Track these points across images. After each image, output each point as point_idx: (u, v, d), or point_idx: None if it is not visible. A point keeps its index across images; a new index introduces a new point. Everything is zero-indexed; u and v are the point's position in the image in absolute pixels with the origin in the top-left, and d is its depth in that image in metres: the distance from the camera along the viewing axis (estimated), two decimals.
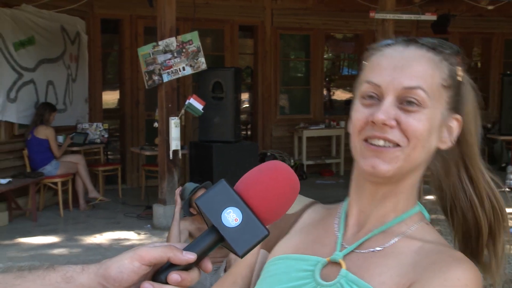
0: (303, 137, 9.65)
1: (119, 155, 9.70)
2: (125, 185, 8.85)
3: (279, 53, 10.07)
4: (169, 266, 0.78)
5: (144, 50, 6.41)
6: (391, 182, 0.96)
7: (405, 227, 0.99)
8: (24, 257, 5.48)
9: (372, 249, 0.97)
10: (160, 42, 6.32)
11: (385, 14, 7.22)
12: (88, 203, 7.55)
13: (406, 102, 0.93)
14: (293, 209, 1.10)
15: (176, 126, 6.27)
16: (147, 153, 7.62)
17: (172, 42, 6.32)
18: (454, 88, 0.98)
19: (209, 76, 7.13)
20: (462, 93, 1.00)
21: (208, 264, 0.80)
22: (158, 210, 6.50)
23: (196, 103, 6.35)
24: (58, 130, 7.54)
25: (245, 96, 11.77)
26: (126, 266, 0.76)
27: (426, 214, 1.03)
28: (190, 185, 4.01)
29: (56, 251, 5.70)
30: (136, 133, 9.07)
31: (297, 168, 9.43)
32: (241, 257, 0.79)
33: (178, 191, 3.98)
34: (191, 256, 0.77)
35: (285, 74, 10.59)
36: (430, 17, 7.84)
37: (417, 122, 0.92)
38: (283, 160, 9.47)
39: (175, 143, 6.30)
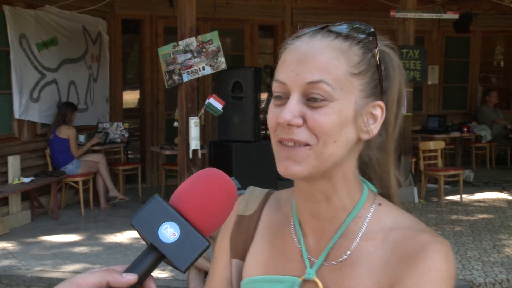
0: None
1: (139, 154, 9.78)
2: (145, 184, 8.92)
3: None
4: None
5: (164, 50, 6.44)
6: (321, 179, 0.91)
7: (360, 221, 0.94)
8: (47, 255, 5.55)
9: (339, 259, 0.93)
10: (180, 42, 6.34)
11: (406, 13, 7.15)
12: (109, 202, 7.62)
13: (311, 98, 0.87)
14: (250, 209, 1.07)
15: (195, 126, 6.29)
16: (167, 152, 7.66)
17: (192, 42, 6.34)
18: (370, 73, 0.90)
19: (229, 76, 7.15)
20: (384, 76, 0.93)
21: (151, 285, 0.77)
22: None
23: (215, 103, 6.36)
24: (79, 130, 7.62)
25: (264, 95, 11.76)
26: None
27: (373, 188, 0.99)
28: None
29: (78, 249, 5.76)
30: (156, 133, 9.13)
31: None
32: (184, 272, 0.76)
33: None
34: (131, 277, 0.74)
35: None
36: (452, 15, 7.75)
37: (323, 117, 0.86)
38: None
39: (194, 143, 6.32)
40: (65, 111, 7.19)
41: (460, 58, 11.12)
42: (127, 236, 6.25)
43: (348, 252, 0.93)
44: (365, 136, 0.91)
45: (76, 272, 5.02)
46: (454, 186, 8.30)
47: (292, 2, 9.72)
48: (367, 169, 1.00)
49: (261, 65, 10.60)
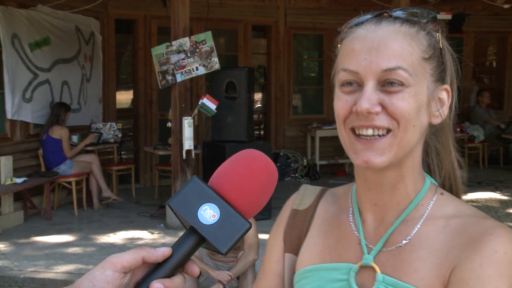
0: (316, 137, 9.63)
1: (133, 154, 9.75)
2: (139, 184, 8.90)
3: (292, 53, 10.05)
4: (150, 275, 0.73)
5: (158, 50, 6.43)
6: (392, 168, 0.91)
7: (422, 208, 0.94)
8: (39, 256, 5.52)
9: (399, 244, 0.92)
10: (173, 42, 6.33)
11: None
12: (102, 202, 7.60)
13: (387, 83, 0.87)
14: (305, 203, 1.06)
15: (189, 126, 6.28)
16: (161, 152, 7.64)
17: (185, 42, 6.34)
18: (436, 57, 0.91)
19: (222, 76, 7.14)
20: (445, 61, 0.93)
21: (194, 268, 0.76)
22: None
23: (209, 103, 6.36)
24: (72, 130, 7.59)
25: (258, 96, 11.77)
26: (98, 277, 0.70)
27: (434, 182, 0.99)
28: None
29: (71, 250, 5.74)
30: (150, 133, 9.11)
31: (310, 168, 9.40)
32: (225, 254, 0.74)
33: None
34: (166, 250, 0.73)
35: (298, 74, 10.58)
36: (445, 16, 7.79)
37: (401, 101, 0.86)
38: (296, 161, 9.45)
39: (188, 143, 6.31)
40: (58, 111, 7.16)
41: None
42: (121, 237, 6.23)
43: (409, 237, 0.92)
44: (437, 120, 0.93)
45: (70, 273, 5.00)
46: None
47: (286, 2, 9.72)
48: (427, 157, 1.00)
49: (255, 65, 10.60)
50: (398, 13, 0.91)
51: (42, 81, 7.34)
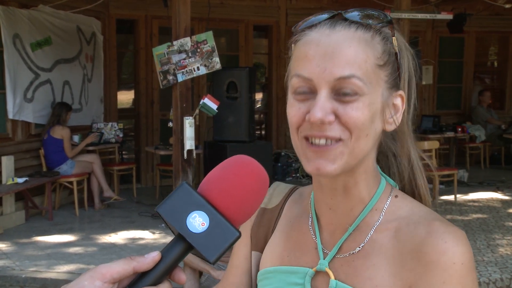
0: None
1: (134, 154, 9.76)
2: (140, 184, 8.90)
3: None
4: (136, 283, 0.72)
5: (159, 50, 6.43)
6: (344, 174, 0.89)
7: (377, 213, 0.93)
8: (41, 256, 5.53)
9: (352, 251, 0.92)
10: (174, 42, 6.33)
11: (400, 14, 7.16)
12: (103, 202, 7.60)
13: (342, 93, 0.84)
14: (274, 202, 1.07)
15: (190, 126, 6.28)
16: (162, 152, 7.64)
17: (186, 42, 6.34)
18: (391, 63, 0.89)
19: (223, 76, 7.14)
20: (401, 65, 0.91)
21: (181, 275, 0.75)
22: None
23: (210, 103, 6.36)
24: (74, 130, 7.60)
25: (259, 95, 11.77)
26: (87, 287, 0.70)
27: (391, 182, 0.98)
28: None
29: (72, 249, 5.75)
30: (151, 133, 9.11)
31: None
32: (213, 263, 0.73)
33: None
34: (154, 254, 0.72)
35: None
36: (446, 16, 7.77)
37: (355, 111, 0.84)
38: (297, 160, 9.44)
39: (189, 143, 6.31)
40: (60, 111, 7.16)
41: (454, 59, 11.16)
42: (122, 237, 6.24)
43: (362, 244, 0.92)
44: (390, 127, 0.91)
45: (71, 273, 5.01)
46: (448, 186, 8.32)
47: (287, 2, 9.73)
48: (388, 161, 1.00)
49: (256, 65, 10.60)
50: (354, 14, 0.88)
51: (43, 81, 7.34)
